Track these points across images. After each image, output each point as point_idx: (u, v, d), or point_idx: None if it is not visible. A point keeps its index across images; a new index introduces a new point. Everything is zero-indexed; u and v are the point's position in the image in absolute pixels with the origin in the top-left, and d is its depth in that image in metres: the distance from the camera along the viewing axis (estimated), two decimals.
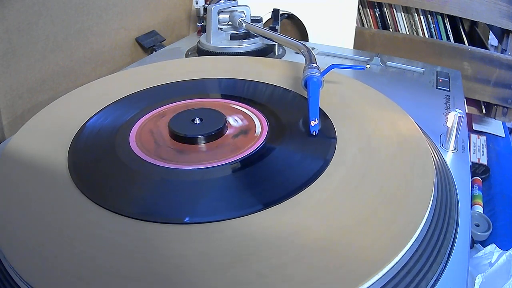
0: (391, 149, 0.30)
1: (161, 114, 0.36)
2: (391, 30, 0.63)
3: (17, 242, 0.22)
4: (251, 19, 0.55)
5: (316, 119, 0.31)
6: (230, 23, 0.55)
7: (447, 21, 0.60)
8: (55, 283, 0.20)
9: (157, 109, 0.36)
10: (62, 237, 0.23)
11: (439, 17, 0.60)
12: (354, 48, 0.61)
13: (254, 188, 0.26)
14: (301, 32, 0.65)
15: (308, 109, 0.32)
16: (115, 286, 0.20)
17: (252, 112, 0.36)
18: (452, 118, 0.33)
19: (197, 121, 0.33)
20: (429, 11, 0.59)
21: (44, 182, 0.27)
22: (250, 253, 0.21)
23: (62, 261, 0.21)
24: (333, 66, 0.37)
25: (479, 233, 0.40)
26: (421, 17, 0.60)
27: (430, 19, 0.60)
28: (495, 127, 0.65)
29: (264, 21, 0.58)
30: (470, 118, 0.66)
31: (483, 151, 0.58)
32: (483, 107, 0.61)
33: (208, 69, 0.45)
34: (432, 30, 0.60)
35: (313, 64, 0.36)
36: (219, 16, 0.54)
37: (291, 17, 0.65)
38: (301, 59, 0.40)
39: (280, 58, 0.54)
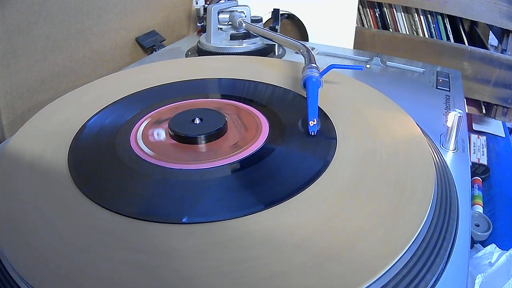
0: (391, 149, 0.30)
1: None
2: (391, 30, 0.63)
3: (17, 242, 0.22)
4: (251, 19, 0.55)
5: (315, 119, 0.31)
6: (230, 23, 0.55)
7: (447, 21, 0.60)
8: (55, 283, 0.20)
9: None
10: (62, 237, 0.23)
11: (439, 17, 0.60)
12: (354, 48, 0.61)
13: (254, 189, 0.26)
14: (301, 32, 0.65)
15: (307, 109, 0.32)
16: (114, 285, 0.20)
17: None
18: (452, 118, 0.33)
19: (197, 121, 0.33)
20: (429, 11, 0.59)
21: (44, 182, 0.27)
22: (249, 254, 0.21)
23: (61, 260, 0.21)
24: (332, 66, 0.37)
25: (479, 233, 0.40)
26: (421, 17, 0.60)
27: (430, 19, 0.60)
28: (495, 127, 0.65)
29: (264, 21, 0.58)
30: (470, 118, 0.66)
31: (483, 151, 0.58)
32: (483, 107, 0.61)
33: (208, 69, 0.45)
34: (432, 30, 0.60)
35: (312, 64, 0.36)
36: (219, 16, 0.54)
37: (291, 17, 0.65)
38: (301, 59, 0.40)
39: (280, 58, 0.54)
